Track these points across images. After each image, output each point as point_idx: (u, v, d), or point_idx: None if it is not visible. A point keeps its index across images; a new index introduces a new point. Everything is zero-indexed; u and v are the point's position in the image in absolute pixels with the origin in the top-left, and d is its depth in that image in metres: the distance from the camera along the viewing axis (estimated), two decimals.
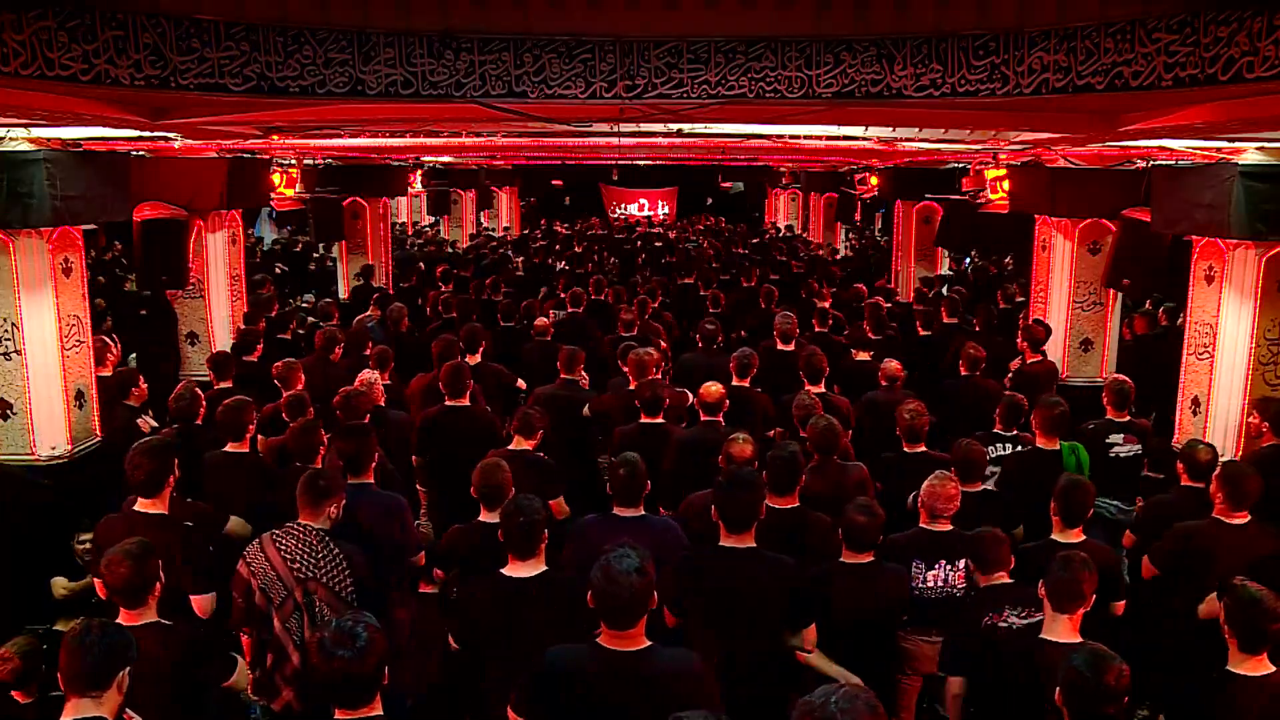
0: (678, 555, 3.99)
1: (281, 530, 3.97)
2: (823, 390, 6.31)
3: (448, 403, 5.96)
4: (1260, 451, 5.52)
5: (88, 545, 5.01)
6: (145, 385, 6.68)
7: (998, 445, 5.66)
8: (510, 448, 5.07)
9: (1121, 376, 6.19)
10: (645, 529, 4.10)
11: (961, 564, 4.26)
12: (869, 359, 7.38)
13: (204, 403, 5.81)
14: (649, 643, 3.06)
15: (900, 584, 4.14)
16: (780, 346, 7.41)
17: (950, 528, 4.31)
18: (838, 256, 17.96)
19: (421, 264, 14.86)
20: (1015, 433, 5.76)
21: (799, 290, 11.22)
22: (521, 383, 7.50)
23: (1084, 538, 4.30)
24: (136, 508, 4.12)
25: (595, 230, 22.20)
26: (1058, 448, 5.37)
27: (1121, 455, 5.86)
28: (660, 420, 5.68)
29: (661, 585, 3.78)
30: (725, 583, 3.72)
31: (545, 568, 3.63)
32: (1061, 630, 3.43)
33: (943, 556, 4.27)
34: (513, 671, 3.45)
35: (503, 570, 3.61)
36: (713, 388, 5.65)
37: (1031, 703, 3.29)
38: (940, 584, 4.27)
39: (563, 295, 10.45)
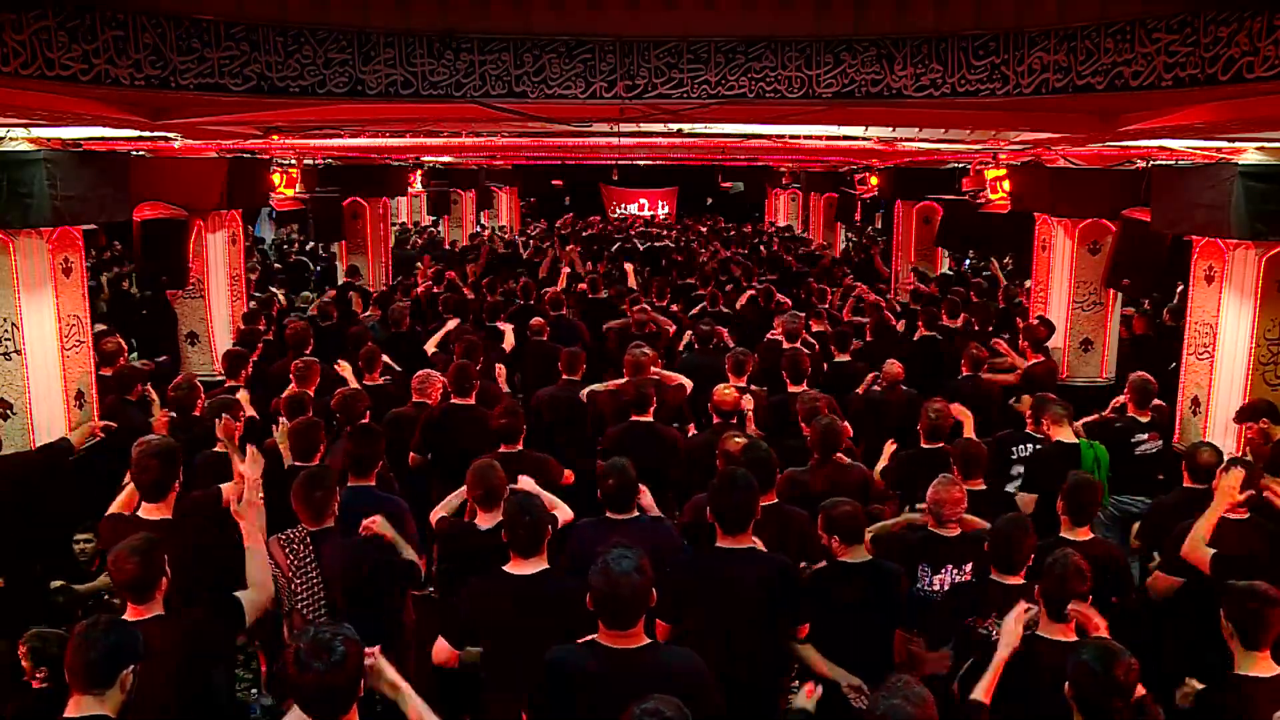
0: (672, 555, 3.97)
1: (285, 536, 3.97)
2: (804, 389, 6.25)
3: (453, 401, 5.96)
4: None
5: (90, 545, 5.00)
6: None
7: (1026, 445, 5.64)
8: (501, 450, 5.02)
9: (1145, 374, 6.09)
10: (638, 530, 4.09)
11: (968, 568, 4.24)
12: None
13: (201, 395, 5.81)
14: (649, 639, 3.08)
15: (897, 584, 4.09)
16: (786, 345, 7.40)
17: (958, 532, 4.29)
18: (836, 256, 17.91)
19: (419, 263, 14.83)
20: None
21: (799, 290, 11.21)
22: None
23: (1092, 536, 4.30)
24: (141, 514, 4.06)
25: (593, 229, 22.13)
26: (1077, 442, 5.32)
27: (1148, 453, 5.86)
28: (650, 419, 5.67)
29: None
30: (722, 583, 3.71)
31: (547, 565, 3.63)
32: (1058, 629, 3.42)
33: (949, 561, 4.25)
34: (513, 670, 3.45)
35: (505, 568, 3.61)
36: (727, 393, 5.61)
37: (1029, 702, 3.28)
38: (946, 588, 4.23)
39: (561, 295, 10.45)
